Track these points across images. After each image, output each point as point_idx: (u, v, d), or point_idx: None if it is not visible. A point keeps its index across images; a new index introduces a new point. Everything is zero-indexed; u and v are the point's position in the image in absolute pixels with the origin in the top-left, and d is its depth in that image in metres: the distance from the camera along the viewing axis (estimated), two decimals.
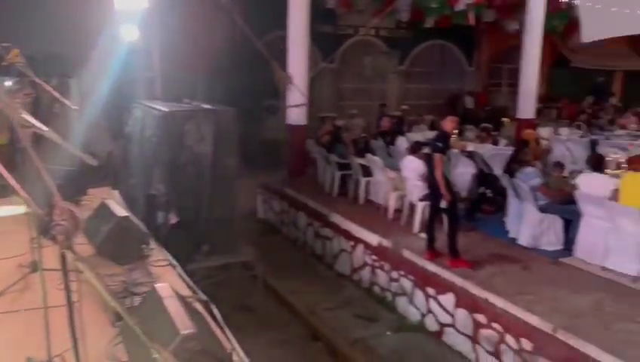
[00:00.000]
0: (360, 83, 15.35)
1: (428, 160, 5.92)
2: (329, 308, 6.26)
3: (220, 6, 9.68)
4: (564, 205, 6.12)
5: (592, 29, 7.97)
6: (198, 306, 3.37)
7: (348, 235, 7.19)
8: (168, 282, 3.19)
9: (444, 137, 5.76)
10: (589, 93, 16.42)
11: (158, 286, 2.86)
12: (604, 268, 5.49)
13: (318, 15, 11.99)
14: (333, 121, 10.60)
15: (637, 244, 5.24)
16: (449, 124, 5.82)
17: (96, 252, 3.92)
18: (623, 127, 10.47)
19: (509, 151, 8.24)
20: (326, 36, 13.65)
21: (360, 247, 6.92)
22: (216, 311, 3.43)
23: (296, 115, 9.43)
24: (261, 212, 9.76)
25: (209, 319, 3.20)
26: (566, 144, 9.59)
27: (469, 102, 15.91)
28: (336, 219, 7.50)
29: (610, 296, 4.99)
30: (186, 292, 3.53)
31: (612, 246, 5.48)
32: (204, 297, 3.64)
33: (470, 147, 8.40)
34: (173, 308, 2.58)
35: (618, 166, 6.82)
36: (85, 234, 4.07)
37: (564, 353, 4.27)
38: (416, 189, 6.73)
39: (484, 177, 7.40)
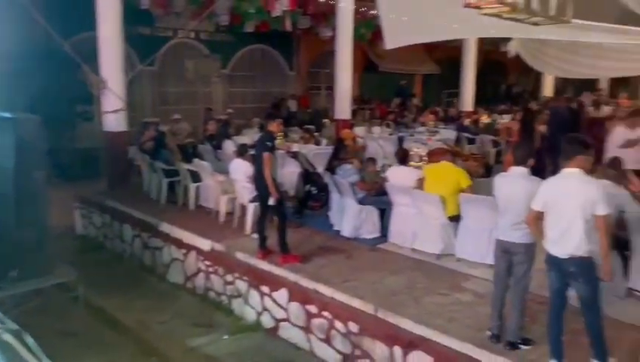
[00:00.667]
0: (183, 87, 15.00)
1: (255, 160, 6.04)
2: (163, 321, 6.04)
3: (17, 3, 8.63)
4: (378, 196, 6.75)
5: (394, 37, 8.80)
6: (9, 337, 3.01)
7: (179, 243, 7.00)
8: None
9: (271, 138, 5.95)
10: (395, 95, 18.29)
11: None
12: (413, 250, 6.19)
13: (134, 16, 11.40)
14: (157, 126, 10.21)
15: (439, 226, 6.02)
16: (275, 125, 6.03)
17: None
18: (423, 124, 11.88)
19: (329, 150, 8.80)
20: (143, 38, 13.07)
21: (192, 254, 6.79)
22: (30, 341, 3.09)
23: (113, 120, 8.87)
24: (80, 227, 8.98)
25: (22, 350, 2.88)
26: (378, 141, 10.56)
27: (292, 105, 16.57)
28: (166, 227, 7.25)
29: (420, 273, 5.64)
30: None
31: (419, 229, 6.21)
32: (14, 326, 3.26)
33: (295, 148, 8.78)
34: None
35: (420, 158, 7.75)
36: None
37: (385, 330, 4.72)
38: (245, 191, 6.83)
39: (308, 176, 7.80)
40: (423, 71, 20.00)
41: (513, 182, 4.02)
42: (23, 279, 5.21)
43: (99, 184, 9.34)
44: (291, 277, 5.65)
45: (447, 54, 18.31)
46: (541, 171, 3.77)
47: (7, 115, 5.34)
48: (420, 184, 6.24)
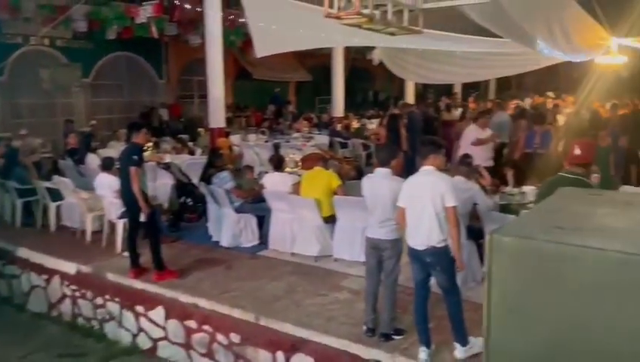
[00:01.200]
0: (39, 98, 13.73)
1: (121, 175, 5.72)
2: (23, 356, 5.47)
3: None
4: (256, 203, 6.75)
5: (264, 45, 8.89)
6: None
7: (40, 269, 6.41)
8: None
9: (138, 150, 5.66)
10: (270, 103, 18.43)
11: None
12: (293, 254, 6.28)
13: None
14: (8, 141, 9.23)
15: (315, 228, 6.17)
16: (141, 136, 5.75)
17: None
18: (298, 131, 12.14)
19: (204, 159, 8.61)
20: None
21: (56, 279, 6.25)
22: None
23: None
24: None
25: None
26: (254, 149, 10.57)
27: (163, 114, 15.95)
28: (24, 252, 6.60)
29: (300, 277, 5.74)
30: None
31: (297, 233, 6.31)
32: None
33: (167, 159, 8.46)
34: None
35: (295, 164, 7.90)
36: None
37: (267, 336, 4.72)
38: (113, 207, 6.44)
39: (183, 187, 7.57)
40: (295, 78, 20.39)
41: (378, 182, 4.25)
42: None
43: None
44: (168, 293, 5.44)
45: (318, 62, 18.85)
46: (413, 171, 4.08)
47: None
48: (296, 189, 6.35)
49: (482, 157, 7.37)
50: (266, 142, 11.13)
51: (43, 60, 13.58)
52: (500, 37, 6.67)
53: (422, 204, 3.82)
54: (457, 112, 12.57)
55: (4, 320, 6.28)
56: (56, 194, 7.32)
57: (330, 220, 6.12)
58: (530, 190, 5.87)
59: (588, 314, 1.22)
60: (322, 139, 11.67)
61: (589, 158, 4.17)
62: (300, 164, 7.72)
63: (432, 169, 3.88)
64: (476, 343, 3.87)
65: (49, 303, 6.31)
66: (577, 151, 4.03)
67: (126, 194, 5.61)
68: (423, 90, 20.30)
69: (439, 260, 3.86)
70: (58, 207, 7.36)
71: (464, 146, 7.60)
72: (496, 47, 8.13)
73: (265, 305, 5.05)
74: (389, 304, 4.32)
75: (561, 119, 11.47)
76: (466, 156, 5.80)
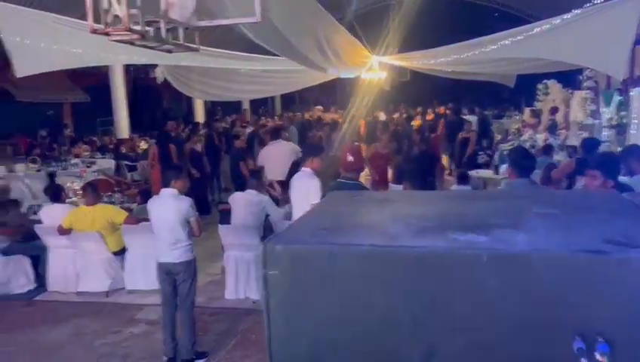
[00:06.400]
0: None
1: None
2: None
3: None
4: (27, 243, 5.92)
5: (25, 64, 7.91)
6: None
7: None
8: None
9: None
10: (41, 126, 16.48)
11: None
12: (79, 293, 5.65)
13: None
14: None
15: (103, 261, 5.66)
16: None
17: None
18: (77, 156, 11.02)
19: None
20: None
21: None
22: None
23: None
24: None
25: None
26: (24, 180, 9.29)
27: None
28: None
29: (87, 317, 5.19)
30: None
31: (81, 269, 5.71)
32: None
33: None
34: None
35: (75, 193, 7.15)
36: None
37: None
38: None
39: None
40: (70, 99, 18.60)
41: (163, 203, 4.08)
42: None
43: None
44: None
45: (95, 80, 17.45)
46: None
47: None
48: (68, 221, 5.68)
49: (276, 171, 7.49)
50: (39, 171, 9.86)
51: None
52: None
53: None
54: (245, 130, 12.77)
55: None
56: None
57: (120, 253, 5.69)
58: None
59: (357, 308, 1.30)
60: (107, 163, 10.81)
61: (360, 163, 4.62)
62: (79, 193, 6.99)
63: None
64: None
65: None
66: (350, 158, 4.43)
67: None
68: (212, 108, 20.34)
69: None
70: None
71: (261, 161, 7.69)
72: (274, 65, 8.55)
73: (46, 357, 4.43)
74: (189, 328, 4.17)
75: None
76: (258, 171, 5.98)
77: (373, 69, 11.14)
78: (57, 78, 15.69)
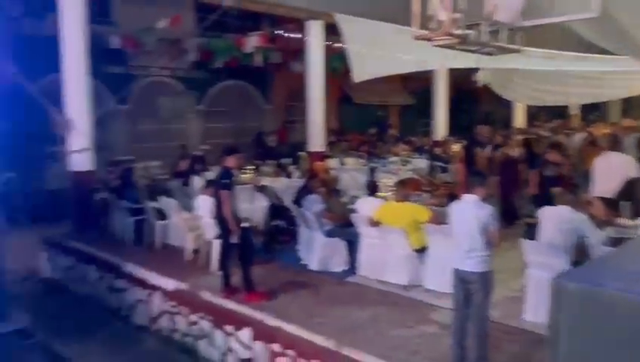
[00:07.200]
0: (158, 124, 14.94)
1: (216, 197, 5.95)
2: None
3: None
4: (345, 228, 6.68)
5: (361, 71, 8.95)
6: None
7: (144, 284, 6.82)
8: None
9: (229, 174, 5.87)
10: (371, 126, 18.44)
11: None
12: (381, 282, 6.09)
13: (106, 55, 11.45)
14: (126, 164, 10.10)
15: (405, 257, 5.94)
16: (233, 160, 5.95)
17: None
18: (396, 154, 11.96)
19: (300, 183, 8.75)
20: (116, 77, 13.09)
21: (157, 295, 6.60)
22: None
23: (80, 160, 8.74)
24: (46, 270, 8.73)
25: None
26: (350, 173, 10.57)
27: (271, 139, 16.58)
28: (130, 268, 7.07)
29: (386, 306, 5.54)
30: None
31: (386, 261, 6.12)
32: None
33: (264, 182, 8.71)
34: None
35: (388, 189, 7.73)
36: None
37: None
38: (209, 227, 6.72)
39: (276, 209, 7.72)
40: (397, 102, 20.26)
41: (464, 209, 3.99)
42: None
43: (67, 225, 9.14)
44: (255, 315, 5.50)
45: (421, 85, 18.56)
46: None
47: None
48: (378, 214, 6.15)
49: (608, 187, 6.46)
50: (364, 166, 11.08)
51: (162, 89, 14.80)
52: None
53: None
54: (578, 137, 11.51)
55: (111, 332, 6.74)
56: (162, 214, 7.82)
57: (421, 251, 5.87)
58: None
59: None
60: (421, 163, 11.37)
61: None
62: (392, 188, 7.52)
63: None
64: None
65: (150, 317, 6.68)
66: None
67: (218, 215, 5.82)
68: (536, 111, 19.12)
69: None
70: (164, 226, 7.84)
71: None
72: (611, 66, 7.43)
73: (348, 334, 4.91)
74: (479, 341, 4.00)
75: None
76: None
77: None
78: (389, 82, 17.24)
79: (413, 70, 9.71)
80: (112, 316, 7.14)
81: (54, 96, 9.16)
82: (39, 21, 10.04)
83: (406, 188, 6.41)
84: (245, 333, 5.48)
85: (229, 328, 5.67)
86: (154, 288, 6.65)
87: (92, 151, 8.85)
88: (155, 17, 11.60)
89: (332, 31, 12.65)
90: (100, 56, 9.54)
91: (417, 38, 4.95)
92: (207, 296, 6.06)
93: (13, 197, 10.04)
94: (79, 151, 8.62)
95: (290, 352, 5.02)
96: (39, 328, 6.12)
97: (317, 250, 6.59)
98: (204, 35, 12.55)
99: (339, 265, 6.62)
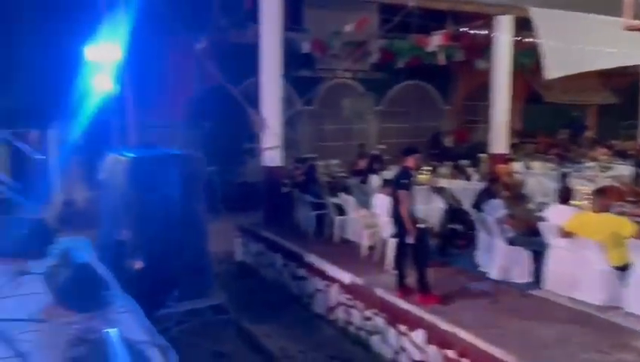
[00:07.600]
0: (340, 124, 15.63)
1: (393, 196, 6.00)
2: (303, 351, 6.20)
3: (195, 55, 9.95)
4: (531, 237, 6.21)
5: (554, 67, 8.26)
6: (155, 352, 3.34)
7: (322, 275, 7.19)
8: (129, 328, 3.17)
9: (407, 174, 5.87)
10: (563, 127, 16.85)
11: (108, 332, 2.86)
12: (571, 299, 5.54)
13: (297, 59, 12.35)
14: (312, 161, 10.74)
15: (601, 273, 5.32)
16: (412, 161, 5.93)
17: (54, 300, 3.89)
18: (594, 159, 10.72)
19: (479, 186, 8.37)
20: (304, 80, 14.01)
21: (334, 286, 6.91)
22: (173, 358, 3.39)
23: (271, 156, 9.55)
24: (239, 254, 9.74)
25: None
26: (537, 177, 9.78)
27: (447, 139, 16.21)
28: (311, 258, 7.52)
29: (577, 326, 5.02)
30: (145, 338, 3.50)
31: (579, 276, 5.55)
32: (162, 342, 3.61)
33: (442, 183, 8.53)
34: (122, 353, 2.58)
35: (584, 197, 6.97)
36: (46, 282, 4.05)
37: None
38: (386, 226, 6.80)
39: (454, 212, 7.50)
40: (596, 101, 18.15)
41: None
42: (183, 299, 5.79)
43: (258, 215, 10.07)
44: (429, 317, 5.42)
45: (626, 81, 16.38)
46: None
47: (175, 151, 6.10)
48: (571, 225, 5.58)
49: None
50: (553, 170, 10.17)
51: (345, 91, 15.44)
52: None
53: None
54: None
55: (294, 316, 7.25)
56: (341, 210, 8.16)
57: (622, 269, 5.19)
58: None
59: None
60: (624, 170, 10.03)
61: None
62: (589, 196, 6.76)
63: None
64: None
65: (327, 307, 7.02)
66: None
67: (395, 215, 5.86)
68: None
69: None
70: (342, 221, 8.17)
71: None
72: None
73: (531, 350, 4.57)
74: None
75: None
76: None
77: None
78: (586, 79, 15.57)
79: (615, 65, 8.65)
80: (294, 302, 7.68)
81: (252, 98, 10.17)
82: (243, 31, 11.19)
83: (606, 198, 5.72)
84: (419, 335, 5.44)
85: (402, 327, 5.68)
86: (332, 280, 6.97)
87: (282, 148, 9.59)
88: (342, 21, 12.14)
89: (522, 26, 11.87)
90: (291, 60, 10.29)
91: (628, 28, 4.39)
92: (381, 293, 6.15)
93: (214, 189, 11.36)
94: (271, 149, 9.42)
95: (465, 361, 4.85)
96: (232, 306, 6.83)
97: (497, 257, 6.25)
98: (387, 37, 12.75)
99: (521, 276, 6.18)
